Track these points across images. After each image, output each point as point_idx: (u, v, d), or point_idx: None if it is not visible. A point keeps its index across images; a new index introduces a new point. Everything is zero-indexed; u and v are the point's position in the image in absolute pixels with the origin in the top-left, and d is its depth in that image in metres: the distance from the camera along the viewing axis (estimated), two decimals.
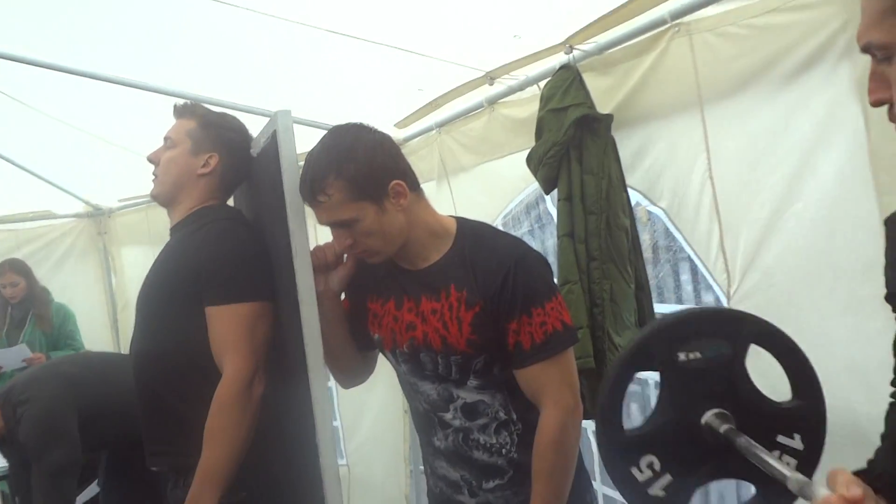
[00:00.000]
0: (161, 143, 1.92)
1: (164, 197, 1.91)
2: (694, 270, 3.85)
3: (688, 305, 3.74)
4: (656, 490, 1.13)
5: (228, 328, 1.72)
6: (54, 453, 2.48)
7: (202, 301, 1.73)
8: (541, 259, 1.61)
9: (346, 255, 1.67)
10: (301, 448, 1.72)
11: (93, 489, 3.15)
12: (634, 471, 1.14)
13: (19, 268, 4.24)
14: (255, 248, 1.79)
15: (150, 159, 1.92)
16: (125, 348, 4.85)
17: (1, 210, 4.79)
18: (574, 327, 1.64)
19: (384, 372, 1.85)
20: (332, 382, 2.18)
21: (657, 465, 1.14)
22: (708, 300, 3.57)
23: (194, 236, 1.80)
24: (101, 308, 5.17)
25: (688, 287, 4.03)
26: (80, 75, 3.00)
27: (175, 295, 1.78)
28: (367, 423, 3.95)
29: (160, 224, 1.97)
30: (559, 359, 1.55)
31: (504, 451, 1.61)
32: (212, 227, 1.79)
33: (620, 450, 1.15)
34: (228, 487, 1.70)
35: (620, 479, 1.15)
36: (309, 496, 1.71)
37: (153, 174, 1.92)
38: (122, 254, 5.15)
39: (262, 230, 1.89)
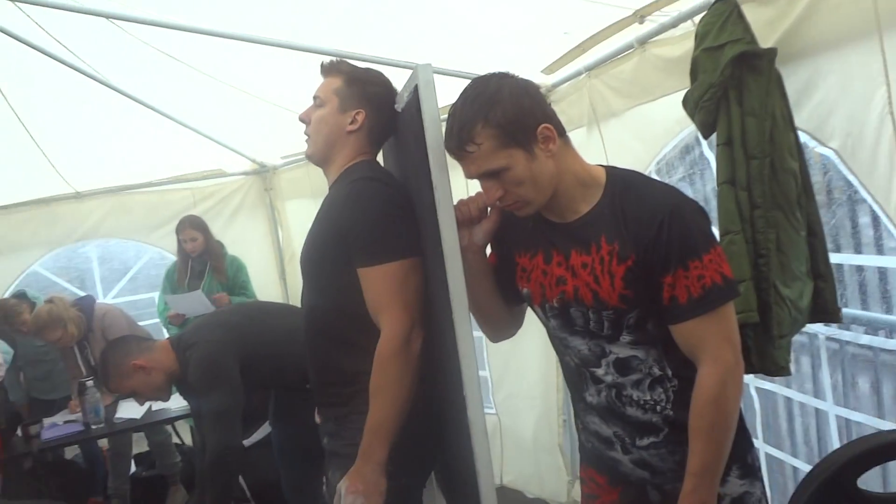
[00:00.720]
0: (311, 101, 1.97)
1: (317, 156, 1.96)
2: (875, 215, 3.51)
3: (867, 255, 3.43)
4: None
5: (380, 288, 1.76)
6: (217, 394, 2.66)
7: (353, 262, 1.78)
8: (697, 208, 1.52)
9: (489, 209, 1.65)
10: (450, 399, 1.75)
11: (265, 429, 3.40)
12: None
13: (197, 224, 4.58)
14: (398, 204, 1.80)
15: (302, 119, 1.96)
16: (293, 297, 5.20)
17: (179, 170, 5.18)
18: (735, 280, 1.53)
19: (534, 320, 1.83)
20: (479, 333, 2.20)
21: None
22: (892, 246, 3.27)
23: (340, 198, 1.84)
24: (270, 259, 5.49)
25: (867, 232, 3.68)
26: (241, 40, 3.14)
27: (328, 256, 1.85)
28: (516, 373, 3.97)
29: (320, 178, 2.01)
30: (718, 313, 1.46)
31: (658, 407, 1.56)
32: (353, 188, 1.82)
33: None
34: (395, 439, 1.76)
35: None
36: (457, 446, 1.74)
37: (305, 134, 1.97)
38: (287, 208, 5.42)
39: (407, 185, 1.91)
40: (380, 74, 1.98)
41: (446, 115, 1.53)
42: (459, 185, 1.72)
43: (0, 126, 4.07)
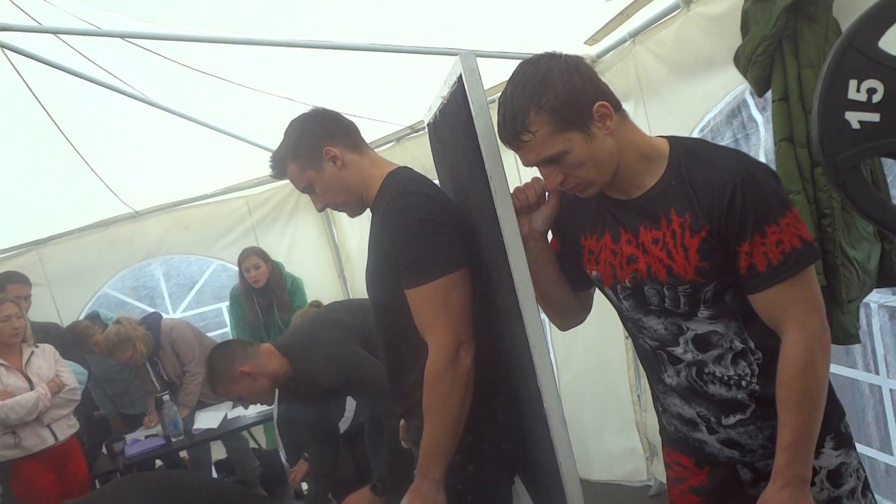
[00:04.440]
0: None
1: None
2: None
3: None
4: None
5: (423, 309, 1.76)
6: (367, 374, 2.63)
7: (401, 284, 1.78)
8: (769, 171, 1.45)
9: (547, 194, 1.61)
10: (525, 392, 1.72)
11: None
12: None
13: (259, 252, 4.64)
14: (434, 218, 1.76)
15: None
16: (355, 296, 5.21)
17: (231, 180, 5.23)
18: (813, 242, 1.45)
19: (596, 296, 1.78)
20: (543, 314, 2.16)
21: None
22: None
23: (382, 218, 1.82)
24: (328, 259, 5.51)
25: None
26: (279, 45, 3.14)
27: (382, 278, 1.86)
28: (581, 355, 3.91)
29: None
30: (800, 278, 1.40)
31: (744, 382, 1.50)
32: (389, 207, 1.79)
33: None
34: (452, 454, 1.77)
35: None
36: (537, 439, 1.71)
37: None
38: None
39: (457, 178, 1.87)
40: (289, 125, 1.96)
41: (493, 98, 1.48)
42: (512, 171, 1.68)
43: (56, 155, 4.18)
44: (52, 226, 5.01)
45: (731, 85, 2.23)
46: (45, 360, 3.64)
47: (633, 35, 2.93)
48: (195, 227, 5.29)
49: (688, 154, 1.47)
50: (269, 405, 3.14)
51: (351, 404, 3.34)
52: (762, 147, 3.41)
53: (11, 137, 3.97)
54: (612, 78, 3.09)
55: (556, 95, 1.39)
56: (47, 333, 4.02)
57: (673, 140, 1.51)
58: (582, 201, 1.56)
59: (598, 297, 1.74)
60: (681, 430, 1.63)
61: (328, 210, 5.29)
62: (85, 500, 1.78)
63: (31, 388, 3.49)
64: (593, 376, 3.88)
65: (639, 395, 3.66)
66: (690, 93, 2.76)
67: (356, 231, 5.15)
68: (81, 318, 4.68)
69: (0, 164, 4.15)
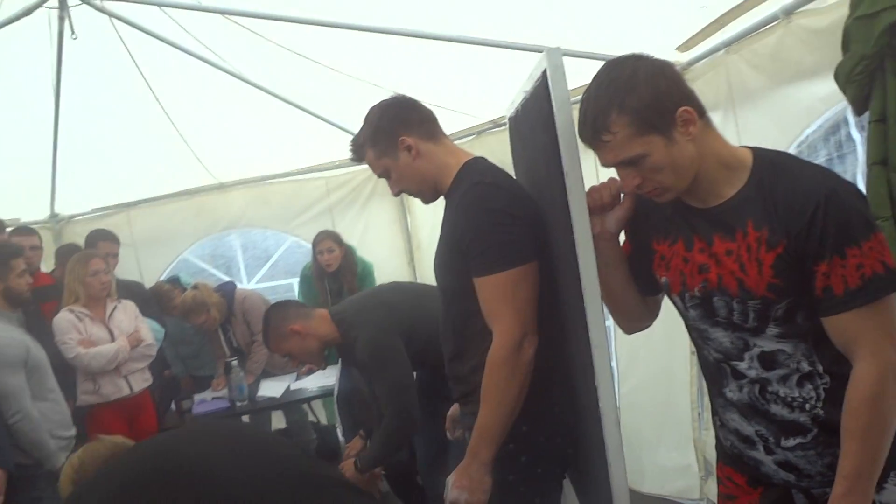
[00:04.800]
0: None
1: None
2: None
3: None
4: None
5: (491, 297, 1.79)
6: (389, 371, 2.73)
7: (470, 271, 1.81)
8: (856, 191, 1.41)
9: (622, 195, 1.60)
10: (582, 391, 1.73)
11: None
12: None
13: (334, 237, 4.72)
14: (510, 209, 1.78)
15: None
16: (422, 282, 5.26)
17: (313, 160, 5.36)
18: None
19: (665, 308, 1.77)
20: (609, 321, 2.15)
21: None
22: None
23: (455, 206, 1.86)
24: (400, 246, 5.59)
25: None
26: (368, 31, 3.21)
27: (451, 264, 1.90)
28: (645, 363, 3.85)
29: None
30: (879, 306, 1.35)
31: (808, 406, 1.46)
32: (465, 196, 1.83)
33: None
34: (503, 440, 1.80)
35: None
36: (590, 436, 1.71)
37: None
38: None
39: (533, 173, 1.88)
40: (369, 112, 2.01)
41: (577, 99, 1.49)
42: (590, 171, 1.68)
43: (151, 123, 4.37)
44: (142, 190, 5.24)
45: (833, 100, 2.15)
46: (127, 316, 3.82)
47: (728, 44, 2.87)
48: (275, 202, 5.44)
49: (772, 167, 1.44)
50: (318, 368, 3.24)
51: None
52: (859, 168, 3.29)
53: (112, 103, 4.17)
54: (702, 87, 3.03)
55: (640, 97, 1.38)
56: (130, 291, 4.21)
57: (758, 151, 1.49)
58: (657, 206, 1.55)
59: (668, 311, 1.72)
60: (737, 446, 1.60)
61: (403, 198, 5.47)
62: (159, 438, 1.89)
63: (112, 340, 3.67)
64: (654, 388, 3.82)
65: (699, 413, 3.59)
66: (789, 106, 2.69)
67: (429, 220, 5.20)
68: (163, 280, 4.88)
69: (99, 128, 4.37)
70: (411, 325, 2.79)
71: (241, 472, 1.60)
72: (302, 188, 5.45)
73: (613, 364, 3.97)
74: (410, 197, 5.45)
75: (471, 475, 1.81)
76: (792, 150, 2.71)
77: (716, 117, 2.90)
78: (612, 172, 1.52)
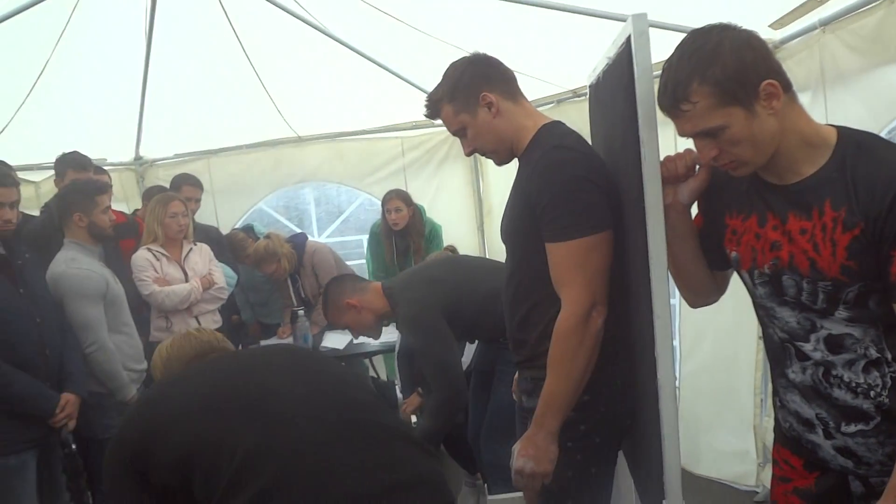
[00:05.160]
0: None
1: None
2: None
3: None
4: None
5: (563, 264, 1.77)
6: (431, 348, 2.78)
7: (542, 236, 1.80)
8: None
9: (697, 167, 1.58)
10: (641, 360, 1.72)
11: None
12: None
13: (403, 196, 4.76)
14: (587, 175, 1.75)
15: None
16: (490, 248, 5.30)
17: (390, 119, 5.40)
18: None
19: (735, 292, 1.74)
20: (675, 300, 2.13)
21: None
22: None
23: (531, 169, 1.83)
24: (470, 210, 5.60)
25: None
26: None
27: (521, 227, 1.88)
28: (711, 345, 3.79)
29: None
30: None
31: (872, 393, 1.43)
32: (542, 160, 1.79)
33: None
34: (570, 409, 1.80)
35: None
36: (646, 409, 1.71)
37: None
38: (489, 161, 5.48)
39: (609, 140, 1.86)
40: (449, 67, 1.97)
41: (659, 71, 1.46)
42: (669, 143, 1.65)
43: (237, 74, 4.48)
44: (224, 139, 5.38)
45: None
46: (202, 258, 3.96)
47: (825, 23, 2.76)
48: (350, 159, 5.52)
49: (857, 147, 1.39)
50: (376, 339, 3.30)
51: (469, 349, 3.43)
52: None
53: (201, 53, 4.28)
54: (793, 66, 2.93)
55: (724, 68, 1.35)
56: (207, 235, 4.36)
57: (843, 130, 1.44)
58: (732, 179, 1.52)
59: (739, 294, 1.69)
60: (796, 428, 1.58)
61: (476, 163, 5.48)
62: (234, 353, 2.00)
63: (186, 280, 3.82)
64: (716, 371, 3.76)
65: (762, 399, 3.53)
66: (883, 90, 2.58)
67: (501, 187, 5.19)
68: (237, 228, 5.03)
69: (186, 77, 4.50)
70: (457, 301, 2.80)
71: (310, 409, 1.66)
72: (377, 146, 5.51)
73: (677, 343, 3.93)
74: (483, 162, 5.54)
75: (537, 444, 1.81)
76: (883, 135, 2.60)
77: (805, 98, 2.83)
78: (689, 143, 1.50)
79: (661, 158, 1.57)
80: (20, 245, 2.98)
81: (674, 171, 1.57)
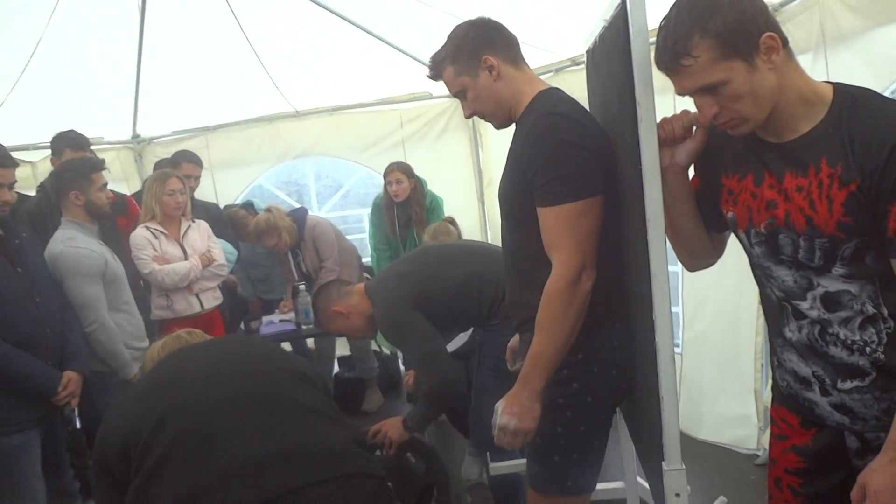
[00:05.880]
0: None
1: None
2: None
3: None
4: None
5: (552, 228, 1.78)
6: (410, 343, 2.78)
7: (534, 200, 1.80)
8: None
9: (695, 128, 1.56)
10: (639, 321, 1.72)
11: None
12: None
13: (404, 168, 4.72)
14: (580, 141, 1.75)
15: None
16: (491, 222, 5.28)
17: (387, 92, 5.36)
18: None
19: (735, 257, 1.74)
20: (676, 267, 2.12)
21: None
22: None
23: (524, 134, 1.83)
24: (470, 182, 5.60)
25: None
26: None
27: (516, 192, 1.88)
28: (712, 311, 3.79)
29: None
30: None
31: (868, 350, 1.43)
32: (536, 125, 1.80)
33: None
34: (555, 370, 1.83)
35: None
36: (645, 372, 1.71)
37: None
38: (489, 131, 5.46)
39: (606, 104, 1.84)
40: (453, 30, 1.98)
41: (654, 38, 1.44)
42: (665, 109, 1.63)
43: (233, 49, 4.45)
44: (221, 115, 5.35)
45: None
46: (200, 235, 3.95)
47: None
48: (349, 133, 5.49)
49: (853, 102, 1.38)
50: (372, 338, 3.28)
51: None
52: None
53: (195, 28, 4.25)
54: (792, 29, 2.89)
55: (724, 21, 1.34)
56: (207, 212, 4.34)
57: (839, 87, 1.43)
58: (729, 139, 1.51)
59: (740, 260, 1.68)
60: (793, 387, 1.59)
61: (476, 133, 5.46)
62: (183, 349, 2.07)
63: (186, 258, 3.81)
64: (718, 337, 3.77)
65: (762, 364, 3.53)
66: (885, 49, 2.55)
67: (501, 158, 5.15)
68: (237, 204, 5.01)
69: (181, 53, 4.47)
70: (425, 292, 2.75)
71: (222, 388, 1.77)
72: (375, 119, 5.49)
73: (679, 310, 3.93)
74: (483, 133, 5.50)
75: (521, 402, 1.84)
76: (886, 94, 2.57)
77: (805, 61, 2.81)
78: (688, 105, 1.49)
79: (658, 120, 1.56)
80: (17, 225, 2.97)
81: (671, 133, 1.56)
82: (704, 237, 1.68)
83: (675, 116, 1.56)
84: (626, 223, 1.75)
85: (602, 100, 2.02)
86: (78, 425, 2.94)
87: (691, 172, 1.65)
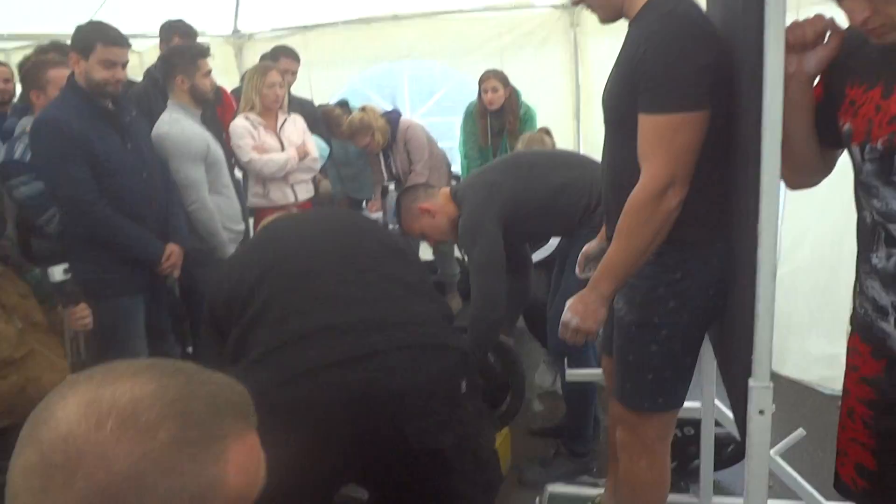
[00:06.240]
0: None
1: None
2: None
3: None
4: None
5: (649, 137, 1.72)
6: (476, 248, 2.77)
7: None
8: None
9: (828, 34, 1.46)
10: (741, 236, 1.66)
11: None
12: None
13: (500, 76, 4.62)
14: (695, 48, 1.65)
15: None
16: (585, 138, 5.17)
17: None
18: None
19: (843, 190, 1.64)
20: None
21: None
22: None
23: (639, 34, 1.75)
24: (567, 98, 5.45)
25: None
26: None
27: (622, 94, 1.80)
28: (809, 248, 3.65)
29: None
30: None
31: None
32: (653, 26, 1.71)
33: None
34: (627, 278, 1.83)
35: None
36: (742, 287, 1.67)
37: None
38: (591, 46, 5.28)
39: (728, 11, 1.74)
40: None
41: None
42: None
43: None
44: (321, 14, 5.35)
45: None
46: (296, 129, 4.01)
47: None
48: (447, 38, 5.42)
49: None
50: (453, 241, 3.30)
51: (555, 238, 3.41)
52: None
53: None
54: None
55: None
56: (302, 107, 4.40)
57: None
58: (862, 47, 1.40)
59: (847, 192, 1.58)
60: (870, 315, 1.51)
61: (577, 48, 5.26)
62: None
63: (282, 149, 3.89)
64: (815, 273, 3.63)
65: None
66: None
67: (601, 75, 4.99)
68: (332, 103, 5.05)
69: None
70: (514, 201, 2.75)
71: (328, 257, 1.87)
72: (475, 26, 5.39)
73: (778, 241, 3.78)
74: (584, 48, 5.29)
75: (587, 303, 1.87)
76: None
77: None
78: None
79: (788, 24, 1.46)
80: (128, 104, 3.08)
81: (801, 38, 1.45)
82: (815, 152, 1.58)
83: (807, 21, 1.45)
84: (739, 135, 1.67)
85: (725, 2, 1.91)
86: (178, 294, 3.10)
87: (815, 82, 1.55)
